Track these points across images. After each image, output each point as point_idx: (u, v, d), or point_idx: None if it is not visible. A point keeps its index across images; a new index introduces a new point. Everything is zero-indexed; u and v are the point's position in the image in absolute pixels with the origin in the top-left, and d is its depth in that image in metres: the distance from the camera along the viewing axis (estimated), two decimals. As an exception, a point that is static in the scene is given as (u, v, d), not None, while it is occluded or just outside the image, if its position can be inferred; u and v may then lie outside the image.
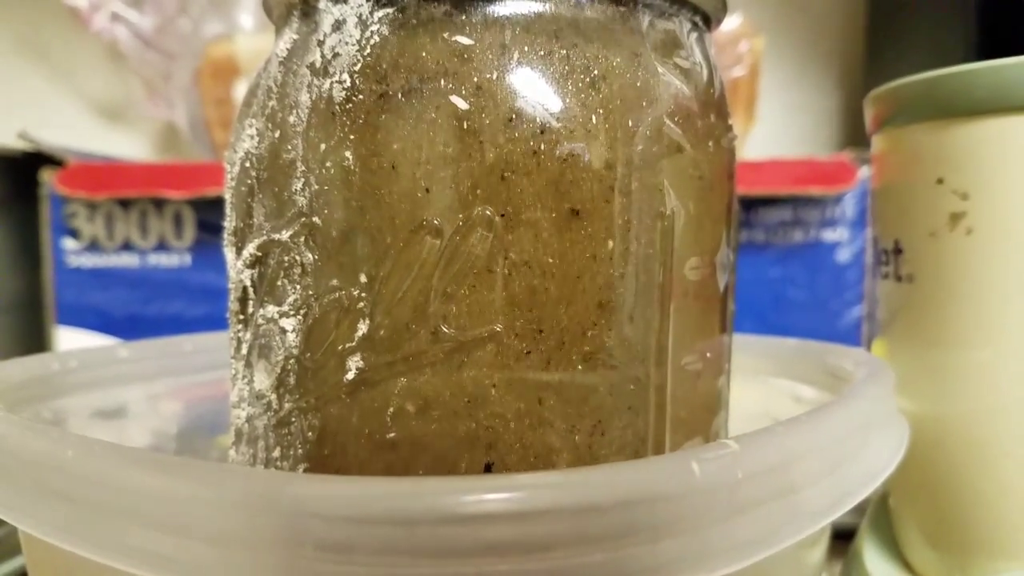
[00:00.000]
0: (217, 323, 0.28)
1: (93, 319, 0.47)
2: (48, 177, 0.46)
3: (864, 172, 0.45)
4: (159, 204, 0.47)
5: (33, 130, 0.49)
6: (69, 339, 0.47)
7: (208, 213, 0.47)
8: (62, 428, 0.26)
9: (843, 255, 0.46)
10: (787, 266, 0.46)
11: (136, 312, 0.47)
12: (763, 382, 0.29)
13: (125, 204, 0.47)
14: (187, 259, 0.47)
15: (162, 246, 0.47)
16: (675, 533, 0.14)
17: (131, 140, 0.70)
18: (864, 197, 0.45)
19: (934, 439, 0.26)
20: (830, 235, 0.46)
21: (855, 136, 0.66)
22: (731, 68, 0.52)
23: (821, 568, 0.21)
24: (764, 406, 0.29)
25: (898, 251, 0.27)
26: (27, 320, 0.52)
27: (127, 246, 0.47)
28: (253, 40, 0.54)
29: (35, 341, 0.52)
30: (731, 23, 0.52)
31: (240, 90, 0.53)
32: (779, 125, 0.66)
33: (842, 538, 0.29)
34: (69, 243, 0.47)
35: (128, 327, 0.47)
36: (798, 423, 0.17)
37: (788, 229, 0.46)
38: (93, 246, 0.47)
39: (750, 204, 0.45)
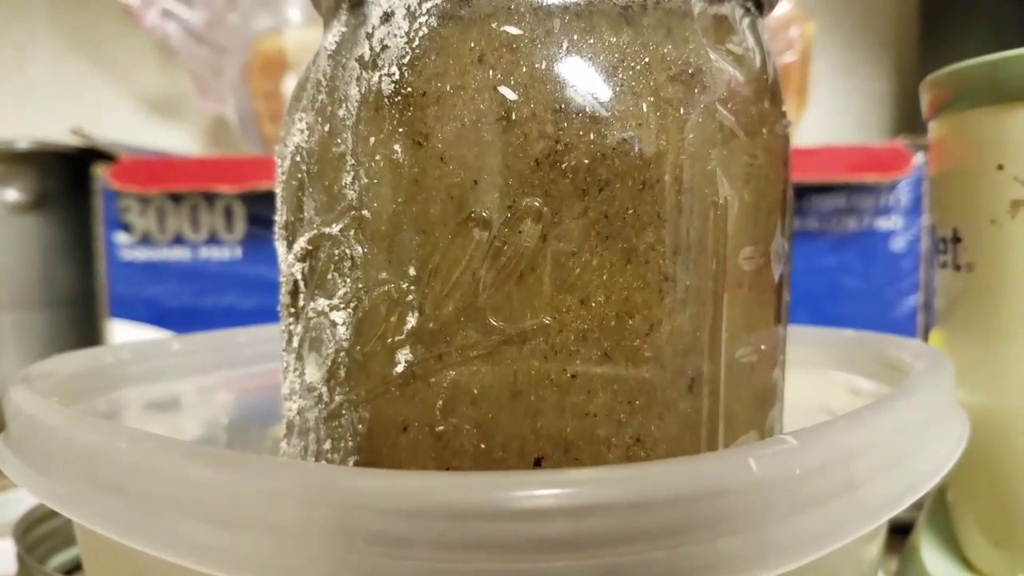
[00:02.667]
0: (268, 315, 0.29)
1: (146, 312, 0.48)
2: (101, 172, 0.47)
3: (919, 159, 0.44)
4: (210, 198, 0.47)
5: (86, 126, 0.49)
6: (122, 332, 0.48)
7: (258, 207, 0.47)
8: (116, 421, 0.26)
9: (898, 243, 0.45)
10: (841, 255, 0.45)
11: (188, 304, 0.48)
12: (819, 374, 0.29)
13: (177, 198, 0.47)
14: (238, 252, 0.47)
15: (213, 239, 0.47)
16: (733, 530, 0.14)
17: (182, 134, 0.71)
18: (919, 184, 0.44)
19: (994, 432, 0.25)
20: (884, 223, 0.45)
21: (909, 122, 0.65)
22: (782, 54, 0.51)
23: (878, 563, 0.21)
24: (820, 399, 0.28)
25: (957, 239, 0.26)
26: (81, 313, 0.53)
27: (179, 240, 0.47)
28: (302, 34, 0.55)
29: (89, 334, 0.53)
30: (782, 8, 0.51)
31: (289, 84, 0.53)
32: (832, 111, 0.65)
33: (899, 533, 0.29)
34: (122, 237, 0.48)
35: (180, 319, 0.48)
36: (857, 417, 0.17)
37: (842, 217, 0.45)
38: (145, 240, 0.48)
39: (803, 192, 0.45)
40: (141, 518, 0.15)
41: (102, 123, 0.64)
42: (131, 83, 0.70)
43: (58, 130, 0.54)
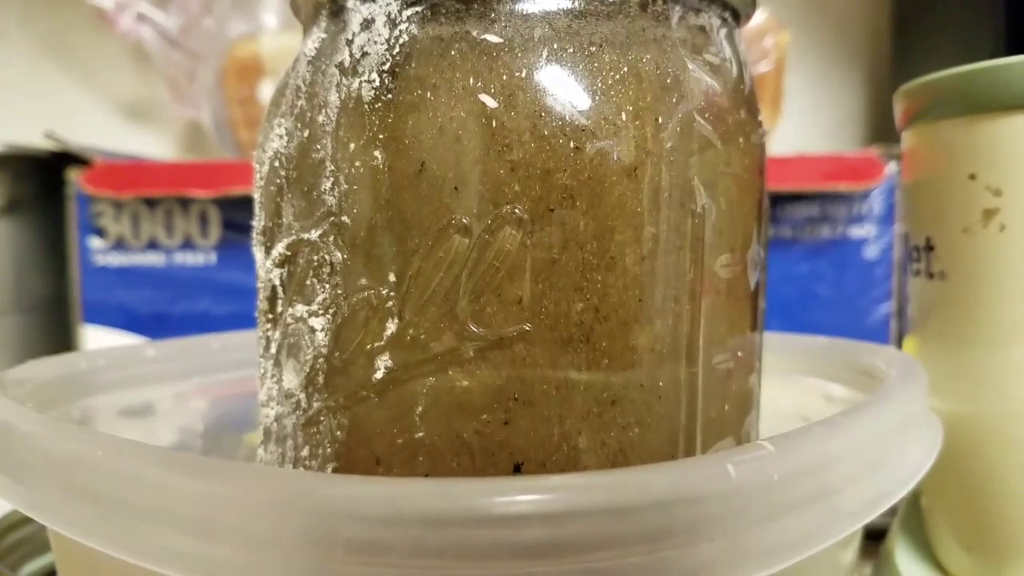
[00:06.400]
0: (243, 321, 0.28)
1: (119, 317, 0.47)
2: (74, 176, 0.47)
3: (892, 168, 0.44)
4: (185, 203, 0.47)
5: (59, 130, 0.49)
6: (95, 338, 0.47)
7: (233, 212, 0.47)
8: (90, 427, 0.26)
9: (871, 251, 0.45)
10: (814, 262, 0.45)
11: (162, 310, 0.47)
12: (793, 381, 0.29)
13: (151, 203, 0.47)
14: (212, 258, 0.47)
15: (188, 245, 0.47)
16: (711, 536, 0.14)
17: (156, 139, 0.70)
18: (891, 193, 0.45)
19: (967, 439, 0.25)
20: (857, 231, 0.45)
21: (881, 131, 0.65)
22: (757, 63, 0.51)
23: (853, 568, 0.21)
24: (794, 405, 0.29)
25: (930, 248, 0.26)
26: (53, 319, 0.53)
27: (153, 245, 0.47)
28: (278, 39, 0.55)
29: (61, 340, 0.52)
30: (756, 18, 0.51)
31: (265, 89, 0.53)
32: (805, 121, 0.66)
33: (873, 538, 0.29)
34: (95, 242, 0.47)
35: (154, 325, 0.47)
36: (833, 424, 0.17)
37: (815, 225, 0.45)
38: (119, 245, 0.47)
39: (777, 200, 0.45)
40: (117, 525, 0.15)
41: (75, 127, 0.63)
42: (104, 87, 0.70)
43: (30, 134, 0.54)
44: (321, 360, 0.19)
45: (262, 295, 0.21)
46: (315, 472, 0.19)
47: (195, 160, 0.66)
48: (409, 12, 0.18)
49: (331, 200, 0.18)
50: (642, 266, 0.18)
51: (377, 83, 0.18)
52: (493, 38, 0.17)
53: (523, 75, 0.17)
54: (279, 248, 0.20)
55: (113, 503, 0.15)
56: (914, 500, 0.30)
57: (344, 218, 0.18)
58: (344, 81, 0.18)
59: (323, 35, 0.19)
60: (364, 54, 0.18)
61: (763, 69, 0.51)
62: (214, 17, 0.56)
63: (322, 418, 0.19)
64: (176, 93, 0.59)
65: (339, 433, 0.19)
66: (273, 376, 0.20)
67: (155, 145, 0.70)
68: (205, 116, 0.58)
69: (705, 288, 0.19)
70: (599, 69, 0.18)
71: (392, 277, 0.18)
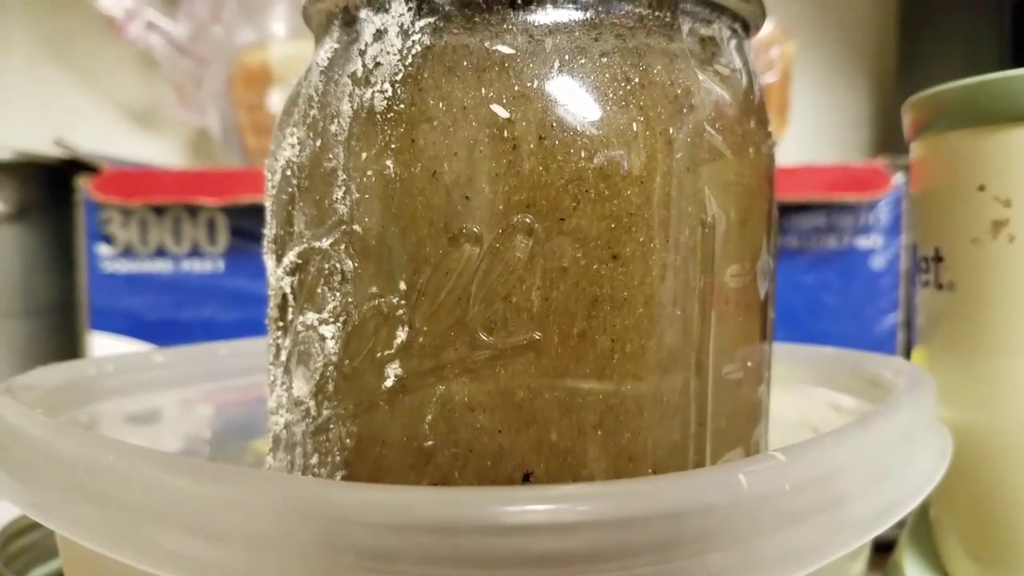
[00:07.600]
0: (250, 328, 0.28)
1: (126, 324, 0.47)
2: (83, 183, 0.47)
3: (898, 179, 0.44)
4: (193, 210, 0.47)
5: (66, 136, 0.49)
6: (103, 344, 0.47)
7: (241, 219, 0.47)
8: (97, 432, 0.26)
9: (877, 262, 0.45)
10: (821, 273, 0.45)
11: (169, 317, 0.47)
12: (800, 391, 0.29)
13: (159, 210, 0.47)
14: (220, 265, 0.47)
15: (195, 252, 0.47)
16: (722, 545, 0.14)
17: (163, 146, 0.70)
18: (898, 204, 0.45)
19: (976, 449, 0.25)
20: (864, 242, 0.45)
21: (887, 141, 0.65)
22: (763, 74, 0.51)
23: (862, 580, 0.21)
24: (802, 415, 0.29)
25: (938, 259, 0.26)
26: (61, 325, 0.53)
27: (161, 252, 0.47)
28: (286, 47, 0.55)
29: (69, 346, 0.52)
30: (763, 29, 0.51)
31: (273, 97, 0.53)
32: (810, 130, 0.66)
33: (882, 550, 0.29)
34: (103, 249, 0.47)
35: (161, 332, 0.47)
36: (844, 434, 0.17)
37: (822, 235, 0.45)
38: (127, 252, 0.47)
39: (783, 210, 0.45)
40: (125, 529, 0.15)
41: (81, 133, 0.64)
42: (111, 93, 0.70)
43: (36, 140, 0.54)
44: (331, 368, 0.19)
45: (273, 303, 0.21)
46: (325, 479, 0.19)
47: (202, 167, 0.66)
48: (422, 23, 0.18)
49: (343, 209, 0.18)
50: (652, 276, 0.18)
51: (389, 93, 0.18)
52: (505, 49, 0.18)
53: (534, 85, 0.17)
54: (290, 256, 0.20)
55: (121, 507, 0.15)
56: (923, 511, 0.30)
57: (355, 227, 0.18)
58: (356, 91, 0.18)
59: (335, 45, 0.19)
60: (377, 64, 0.18)
61: (769, 80, 0.51)
62: (222, 24, 0.56)
63: (331, 426, 0.19)
64: (183, 99, 0.59)
65: (348, 441, 0.19)
66: (283, 383, 0.20)
67: (162, 151, 0.70)
68: (212, 123, 0.59)
69: (715, 298, 0.19)
70: (610, 80, 0.18)
71: (403, 285, 0.18)
